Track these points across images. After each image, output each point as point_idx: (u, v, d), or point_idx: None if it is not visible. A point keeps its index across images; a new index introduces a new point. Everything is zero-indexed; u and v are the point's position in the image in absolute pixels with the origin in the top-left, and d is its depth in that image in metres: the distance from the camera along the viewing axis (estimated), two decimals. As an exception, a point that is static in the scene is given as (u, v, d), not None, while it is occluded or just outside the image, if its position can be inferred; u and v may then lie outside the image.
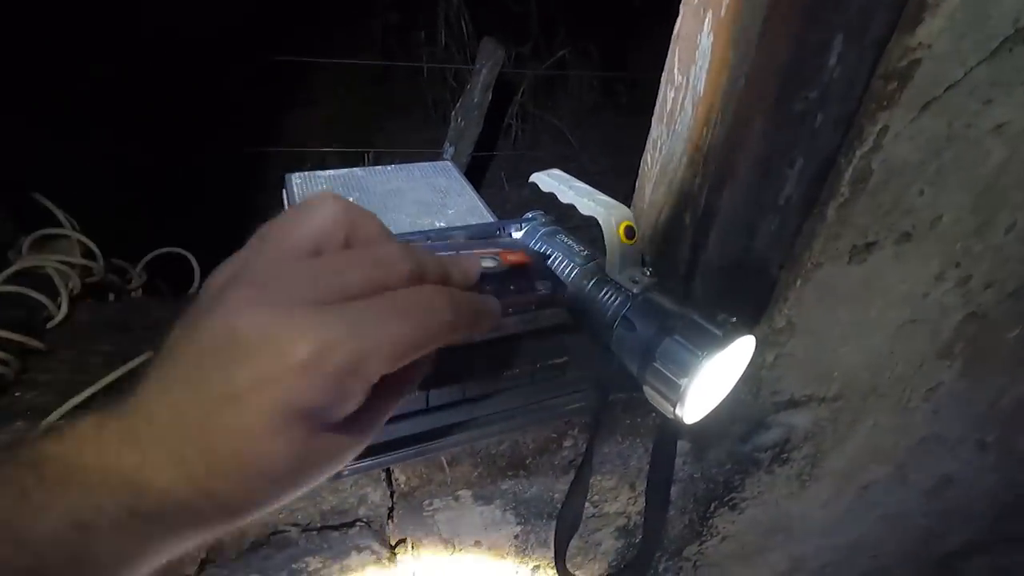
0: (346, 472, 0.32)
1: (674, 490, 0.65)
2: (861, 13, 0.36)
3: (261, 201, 1.49)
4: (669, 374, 0.41)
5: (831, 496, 0.78)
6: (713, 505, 0.71)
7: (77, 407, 0.42)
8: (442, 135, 2.02)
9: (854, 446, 0.71)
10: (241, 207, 1.34)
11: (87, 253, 0.55)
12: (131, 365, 0.45)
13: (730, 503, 0.72)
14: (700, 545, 0.77)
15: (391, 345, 0.22)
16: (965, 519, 0.95)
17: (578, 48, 2.41)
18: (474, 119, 1.85)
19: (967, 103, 0.41)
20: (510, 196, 2.20)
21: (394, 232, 0.43)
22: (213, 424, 0.21)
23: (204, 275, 0.60)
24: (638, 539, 0.70)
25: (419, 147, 2.21)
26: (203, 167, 1.56)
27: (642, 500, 0.63)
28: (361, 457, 0.32)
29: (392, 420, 0.31)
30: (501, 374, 0.33)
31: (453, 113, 1.89)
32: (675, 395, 0.41)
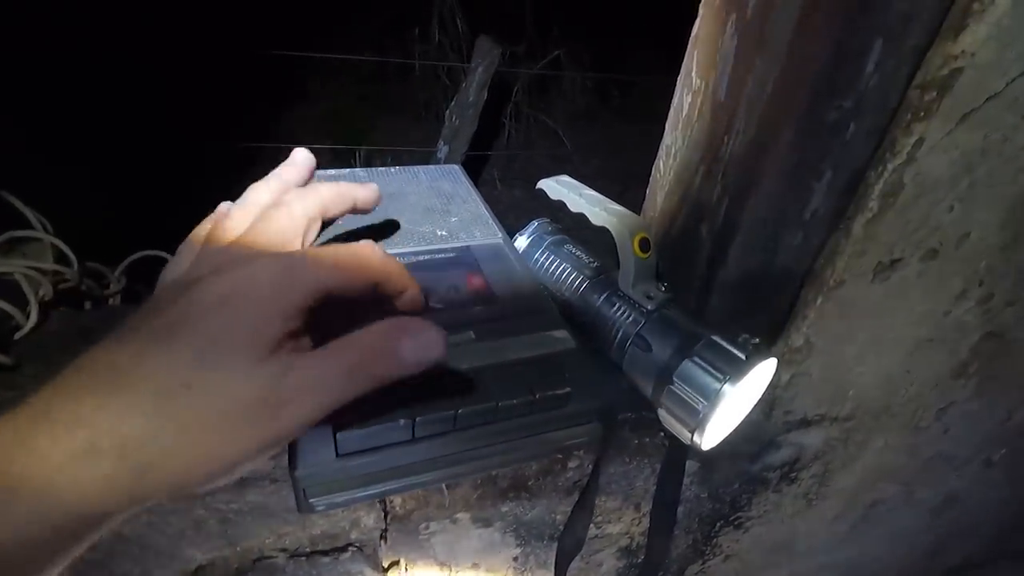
0: (319, 506, 0.29)
1: (679, 510, 0.62)
2: (902, 17, 0.34)
3: (251, 199, 1.44)
4: (688, 398, 0.39)
5: (837, 514, 0.76)
6: (718, 524, 0.69)
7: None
8: (435, 133, 1.99)
9: (863, 465, 0.69)
10: (229, 206, 1.29)
11: (60, 257, 0.52)
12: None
13: (735, 522, 0.70)
14: (703, 564, 0.75)
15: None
16: (968, 536, 0.94)
17: (572, 49, 2.39)
18: (469, 118, 1.82)
19: (1005, 116, 0.39)
20: (502, 196, 2.18)
21: (391, 238, 0.41)
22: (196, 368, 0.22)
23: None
24: (640, 559, 0.67)
25: (412, 145, 2.18)
26: (189, 164, 1.52)
27: (646, 521, 0.60)
28: (347, 488, 0.29)
29: (377, 449, 0.28)
30: (496, 404, 0.30)
31: (448, 112, 1.86)
32: (694, 420, 0.39)
